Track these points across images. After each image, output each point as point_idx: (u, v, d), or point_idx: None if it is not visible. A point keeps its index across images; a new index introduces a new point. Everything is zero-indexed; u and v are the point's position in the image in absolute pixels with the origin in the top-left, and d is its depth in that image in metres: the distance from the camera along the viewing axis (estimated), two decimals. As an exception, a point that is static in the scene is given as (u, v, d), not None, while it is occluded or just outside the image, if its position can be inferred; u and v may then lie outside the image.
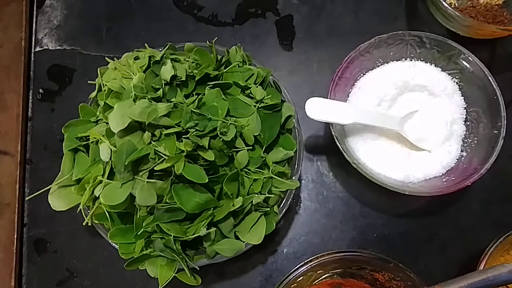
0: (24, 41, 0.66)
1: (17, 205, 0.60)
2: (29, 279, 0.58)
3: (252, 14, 0.67)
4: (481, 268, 0.47)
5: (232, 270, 0.57)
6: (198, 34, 0.66)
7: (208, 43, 0.52)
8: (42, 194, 0.47)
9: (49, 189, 0.48)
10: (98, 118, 0.50)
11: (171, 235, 0.43)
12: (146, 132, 0.43)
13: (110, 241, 0.47)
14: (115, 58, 0.51)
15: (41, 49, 0.66)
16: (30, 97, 0.65)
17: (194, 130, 0.43)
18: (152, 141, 0.43)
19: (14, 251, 0.58)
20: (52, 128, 0.63)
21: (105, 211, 0.46)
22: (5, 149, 0.62)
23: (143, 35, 0.67)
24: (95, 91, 0.51)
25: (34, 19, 0.68)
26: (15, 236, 0.59)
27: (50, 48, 0.66)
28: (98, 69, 0.51)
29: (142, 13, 0.68)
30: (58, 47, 0.66)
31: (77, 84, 0.65)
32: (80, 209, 0.46)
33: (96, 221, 0.47)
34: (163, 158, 0.42)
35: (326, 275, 0.50)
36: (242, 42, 0.64)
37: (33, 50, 0.66)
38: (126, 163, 0.41)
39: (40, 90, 0.65)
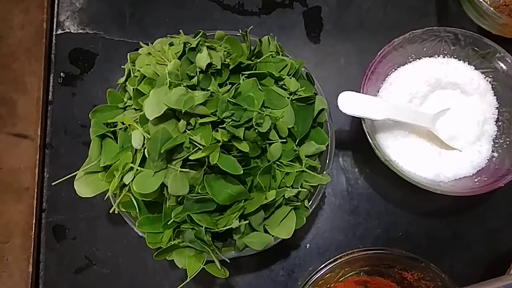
0: (45, 23, 0.65)
1: (36, 190, 0.59)
2: (47, 265, 0.57)
3: (279, 4, 0.66)
4: (513, 271, 0.46)
5: (254, 263, 0.56)
6: (223, 22, 0.65)
7: (241, 32, 0.51)
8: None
9: (71, 175, 0.47)
10: (126, 104, 0.49)
11: (202, 226, 0.42)
12: (182, 120, 0.42)
13: (136, 230, 0.47)
14: (149, 44, 0.49)
15: (62, 32, 0.65)
16: (51, 80, 0.63)
17: (230, 120, 0.42)
18: (187, 130, 0.42)
19: (33, 236, 0.57)
20: (73, 113, 0.62)
21: (133, 199, 0.45)
22: (25, 133, 0.61)
23: (167, 22, 0.65)
24: (124, 77, 0.50)
25: (56, 1, 0.66)
26: (34, 222, 0.58)
27: (72, 31, 0.65)
28: (128, 54, 0.49)
29: (167, -1, 0.66)
30: (80, 31, 0.65)
31: (99, 69, 0.64)
32: (107, 196, 0.46)
33: (123, 209, 0.46)
34: (197, 148, 0.41)
35: (353, 272, 0.50)
36: (269, 32, 0.63)
37: (54, 33, 0.65)
38: (161, 151, 0.40)
39: (61, 74, 0.63)
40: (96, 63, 0.64)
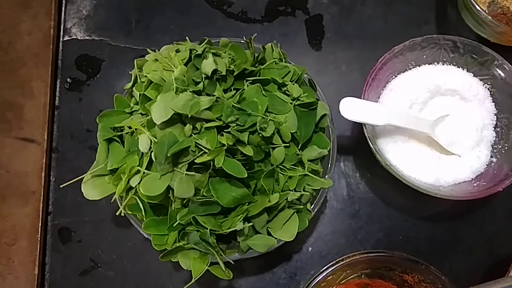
0: (52, 30, 0.66)
1: (42, 193, 0.60)
2: (52, 267, 0.58)
3: (282, 12, 0.67)
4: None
5: (257, 266, 0.57)
6: (227, 30, 0.66)
7: (245, 39, 0.52)
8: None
9: (78, 178, 0.48)
10: (132, 109, 0.50)
11: (207, 228, 0.43)
12: (188, 124, 0.43)
13: (142, 232, 0.47)
14: (156, 50, 0.51)
15: (69, 38, 0.66)
16: (58, 86, 0.64)
17: (235, 124, 0.43)
18: (193, 134, 0.43)
19: (39, 239, 0.58)
20: (79, 118, 0.63)
21: (139, 202, 0.46)
22: (32, 137, 0.62)
23: (172, 29, 0.67)
24: (131, 82, 0.51)
25: (63, 8, 0.67)
26: (40, 224, 0.58)
27: (79, 37, 0.66)
28: (135, 60, 0.51)
29: (172, 7, 0.67)
30: (87, 37, 0.66)
31: (105, 74, 0.65)
32: (114, 199, 0.46)
33: (129, 212, 0.47)
34: (203, 151, 0.42)
35: (354, 275, 0.51)
36: (271, 40, 0.64)
37: (61, 39, 0.66)
38: (168, 155, 0.41)
39: (68, 79, 0.64)
40: (102, 69, 0.65)
